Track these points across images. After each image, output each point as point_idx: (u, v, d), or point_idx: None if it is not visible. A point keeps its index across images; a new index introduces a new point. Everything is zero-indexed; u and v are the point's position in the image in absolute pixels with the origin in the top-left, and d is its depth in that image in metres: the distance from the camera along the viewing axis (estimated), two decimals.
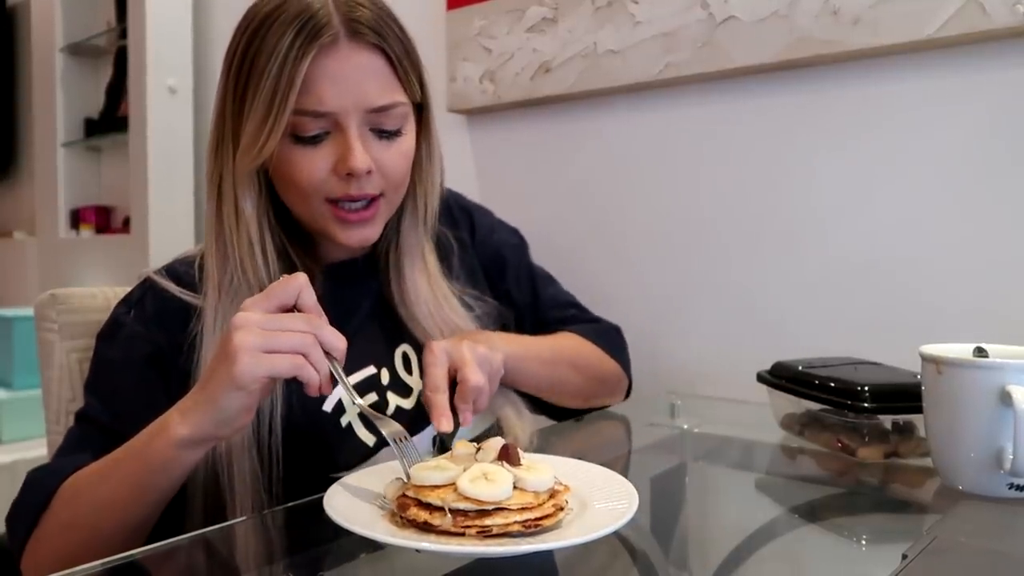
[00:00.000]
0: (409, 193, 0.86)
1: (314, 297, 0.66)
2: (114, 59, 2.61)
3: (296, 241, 0.85)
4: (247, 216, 0.79)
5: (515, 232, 1.09)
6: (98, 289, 0.99)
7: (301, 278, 0.65)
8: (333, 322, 0.66)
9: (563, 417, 1.03)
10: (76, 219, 2.71)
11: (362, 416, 0.82)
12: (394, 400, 0.85)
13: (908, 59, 1.08)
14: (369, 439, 0.82)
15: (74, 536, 0.69)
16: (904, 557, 0.56)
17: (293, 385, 0.75)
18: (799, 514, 0.75)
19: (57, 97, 2.67)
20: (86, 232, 2.66)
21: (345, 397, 0.81)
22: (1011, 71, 1.01)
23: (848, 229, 1.14)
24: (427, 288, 0.89)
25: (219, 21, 2.25)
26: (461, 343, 0.80)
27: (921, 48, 1.06)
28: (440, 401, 0.75)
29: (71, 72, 2.70)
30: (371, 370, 0.85)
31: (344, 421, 0.81)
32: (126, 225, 2.47)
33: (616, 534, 0.63)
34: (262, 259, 0.79)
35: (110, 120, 2.59)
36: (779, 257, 1.20)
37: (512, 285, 1.03)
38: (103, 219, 2.70)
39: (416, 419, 0.84)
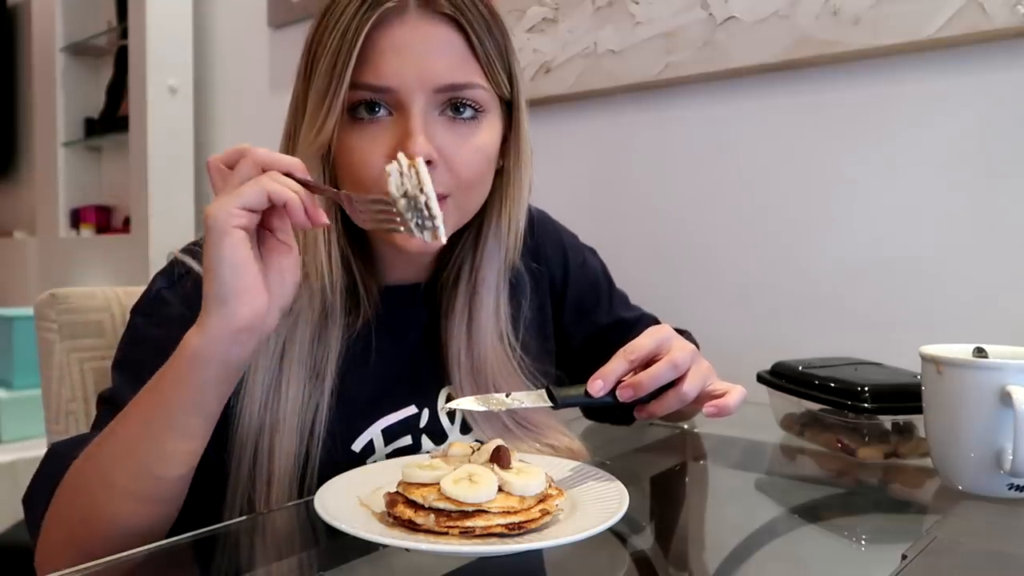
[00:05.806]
0: (493, 206, 0.76)
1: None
2: (114, 59, 2.61)
3: (359, 253, 0.75)
4: None
5: (594, 252, 1.01)
6: (98, 289, 0.99)
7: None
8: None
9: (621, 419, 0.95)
10: (76, 219, 2.71)
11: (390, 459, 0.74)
12: (427, 444, 0.77)
13: (908, 59, 1.08)
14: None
15: (83, 500, 0.61)
16: (904, 557, 0.56)
17: (321, 433, 0.69)
18: (799, 514, 0.75)
19: (57, 97, 2.68)
20: (86, 232, 2.67)
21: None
22: (1011, 71, 1.01)
23: (848, 229, 1.14)
24: (494, 336, 0.77)
25: (219, 21, 2.24)
26: (693, 351, 0.65)
27: (921, 48, 1.06)
28: (616, 367, 0.63)
29: (71, 72, 2.71)
30: (412, 410, 0.77)
31: (370, 463, 0.74)
32: (126, 225, 2.47)
33: (616, 534, 0.63)
34: (326, 263, 0.70)
35: (110, 120, 2.59)
36: (779, 257, 1.20)
37: (618, 308, 0.96)
38: (103, 219, 2.70)
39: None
